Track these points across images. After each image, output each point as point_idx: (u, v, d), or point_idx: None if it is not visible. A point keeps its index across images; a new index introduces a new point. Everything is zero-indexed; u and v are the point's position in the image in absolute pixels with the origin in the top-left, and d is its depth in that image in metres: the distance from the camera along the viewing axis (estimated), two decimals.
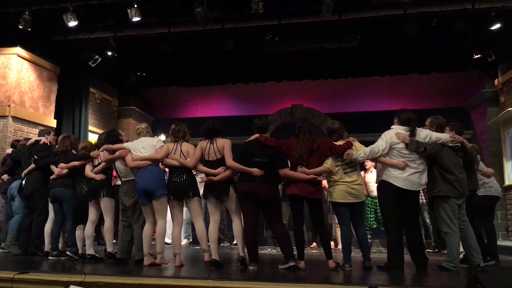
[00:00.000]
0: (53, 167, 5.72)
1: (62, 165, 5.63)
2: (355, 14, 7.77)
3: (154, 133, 11.69)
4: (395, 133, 4.72)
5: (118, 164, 5.15)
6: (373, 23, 8.00)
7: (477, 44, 8.11)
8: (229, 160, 4.72)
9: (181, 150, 4.90)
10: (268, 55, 8.89)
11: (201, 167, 4.86)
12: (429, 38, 8.29)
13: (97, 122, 10.41)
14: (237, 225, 4.85)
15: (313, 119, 11.24)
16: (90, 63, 8.63)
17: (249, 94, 11.66)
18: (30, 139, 6.56)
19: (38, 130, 8.21)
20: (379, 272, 4.55)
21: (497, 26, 7.47)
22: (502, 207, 9.04)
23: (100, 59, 8.64)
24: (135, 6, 7.16)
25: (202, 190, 4.97)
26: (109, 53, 8.58)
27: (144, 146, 5.00)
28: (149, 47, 8.91)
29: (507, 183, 8.95)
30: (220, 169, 4.74)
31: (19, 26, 7.39)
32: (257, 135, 4.86)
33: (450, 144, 4.74)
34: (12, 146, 6.82)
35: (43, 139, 6.20)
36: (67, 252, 5.53)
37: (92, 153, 5.48)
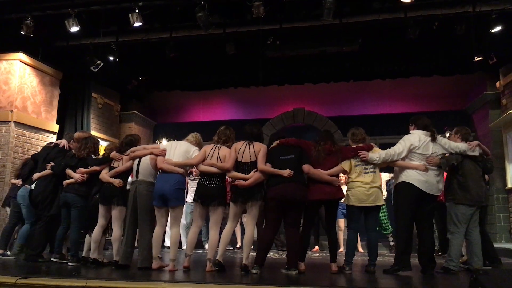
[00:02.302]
0: (70, 172, 5.46)
1: (82, 169, 5.38)
2: (356, 18, 7.79)
3: (155, 137, 11.75)
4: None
5: (143, 163, 4.95)
6: (374, 27, 8.02)
7: (478, 46, 8.10)
8: (262, 164, 4.66)
9: (218, 155, 4.82)
10: (270, 59, 8.91)
11: (233, 172, 4.76)
12: (430, 41, 8.30)
13: (99, 127, 10.43)
14: (249, 233, 4.79)
15: (315, 122, 11.25)
16: (92, 68, 8.65)
17: (251, 98, 11.67)
18: (57, 143, 6.31)
19: (40, 135, 8.28)
20: (383, 276, 4.55)
21: (498, 28, 7.47)
22: (505, 209, 9.02)
23: (102, 64, 8.66)
24: (137, 11, 7.18)
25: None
26: (111, 58, 8.61)
27: (178, 151, 4.89)
28: (151, 52, 8.95)
29: (509, 185, 8.92)
30: (251, 173, 4.68)
31: (22, 32, 7.44)
32: (278, 141, 4.88)
33: (469, 154, 4.78)
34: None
35: (63, 142, 6.01)
36: (69, 264, 5.32)
37: (113, 154, 5.26)
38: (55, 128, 8.83)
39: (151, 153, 4.98)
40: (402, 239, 4.73)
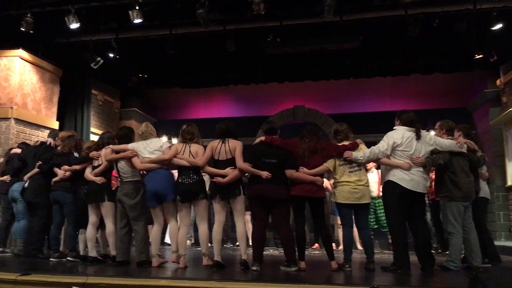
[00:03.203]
0: (56, 170, 5.66)
1: (65, 167, 5.56)
2: (357, 15, 7.78)
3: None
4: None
5: (121, 164, 5.05)
6: (374, 24, 8.01)
7: (479, 44, 8.09)
8: (240, 162, 4.72)
9: (189, 151, 4.88)
10: (270, 56, 8.90)
11: (208, 168, 4.84)
12: (430, 38, 8.29)
13: (99, 124, 10.43)
14: (240, 227, 4.84)
15: (315, 120, 11.24)
16: (92, 65, 8.64)
17: (251, 95, 11.66)
18: (38, 141, 6.51)
19: (40, 132, 8.27)
20: (382, 273, 4.55)
21: (498, 26, 7.46)
22: (505, 207, 9.03)
23: (102, 61, 8.66)
24: (137, 8, 7.17)
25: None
26: (111, 55, 8.61)
27: (151, 149, 4.95)
28: (151, 48, 8.93)
29: (509, 183, 8.92)
30: (228, 169, 4.74)
31: (22, 29, 7.42)
32: (263, 137, 4.88)
33: (456, 150, 4.75)
34: (19, 147, 6.68)
35: (49, 140, 6.15)
36: (68, 258, 5.50)
37: (92, 154, 5.37)
38: (55, 125, 8.82)
39: (123, 158, 5.03)
40: (396, 238, 4.71)
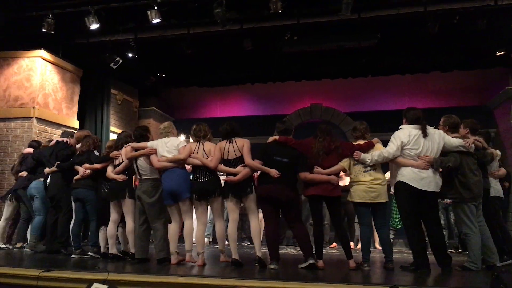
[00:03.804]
0: (77, 167, 5.78)
1: (86, 165, 5.69)
2: (375, 12, 7.68)
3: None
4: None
5: (141, 161, 5.13)
6: (393, 21, 7.90)
7: (500, 40, 7.94)
8: (248, 159, 4.77)
9: (203, 150, 4.94)
10: (287, 54, 8.88)
11: (222, 166, 4.89)
12: (450, 35, 8.14)
13: (118, 123, 10.55)
14: (254, 225, 4.86)
15: (332, 118, 11.19)
16: (111, 64, 8.74)
17: (268, 94, 11.66)
18: (52, 140, 6.70)
19: (61, 131, 8.40)
20: (401, 272, 4.52)
21: None
22: None
23: (121, 60, 8.75)
24: (155, 8, 7.23)
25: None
26: (130, 55, 8.69)
27: (168, 148, 5.01)
28: (168, 48, 8.99)
29: None
30: (239, 167, 4.78)
31: (43, 30, 7.54)
32: (277, 136, 4.89)
33: (463, 149, 4.64)
34: (31, 146, 6.88)
35: (65, 139, 6.33)
36: (89, 253, 5.62)
37: (112, 154, 5.49)
38: (76, 124, 8.96)
39: (143, 155, 5.10)
40: (412, 237, 4.66)
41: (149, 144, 5.16)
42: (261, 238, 5.17)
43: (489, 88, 10.45)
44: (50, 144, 6.45)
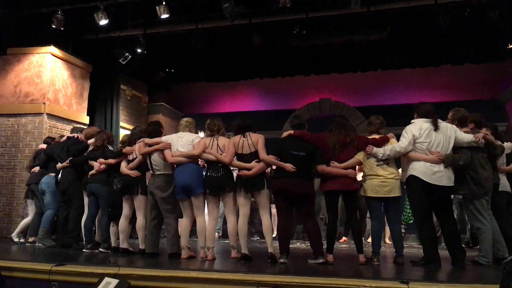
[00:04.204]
0: (92, 162, 5.81)
1: (101, 160, 5.72)
2: (385, 5, 7.61)
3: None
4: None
5: (154, 157, 5.12)
6: (403, 14, 7.84)
7: (511, 33, 7.84)
8: (263, 154, 4.76)
9: (217, 144, 4.94)
10: (296, 49, 8.85)
11: (236, 162, 4.88)
12: (461, 28, 8.04)
13: (127, 118, 10.60)
14: (266, 221, 4.85)
15: (342, 112, 11.11)
16: (120, 60, 8.78)
17: (276, 89, 11.63)
18: (63, 136, 6.77)
19: (71, 127, 8.46)
20: (411, 267, 4.50)
21: None
22: None
23: (130, 56, 8.78)
24: (164, 3, 7.24)
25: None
26: (139, 50, 8.73)
27: (183, 142, 5.01)
28: (177, 43, 9.02)
29: None
30: (253, 163, 4.77)
31: (52, 26, 7.60)
32: (291, 131, 4.88)
33: (474, 145, 4.59)
34: (45, 142, 6.98)
35: (76, 134, 6.41)
36: (100, 249, 5.65)
37: (125, 149, 5.52)
38: (86, 119, 9.02)
39: (157, 149, 5.10)
40: (422, 233, 4.65)
41: (164, 138, 5.16)
42: (273, 234, 5.17)
43: (500, 81, 10.33)
44: (62, 140, 6.52)
